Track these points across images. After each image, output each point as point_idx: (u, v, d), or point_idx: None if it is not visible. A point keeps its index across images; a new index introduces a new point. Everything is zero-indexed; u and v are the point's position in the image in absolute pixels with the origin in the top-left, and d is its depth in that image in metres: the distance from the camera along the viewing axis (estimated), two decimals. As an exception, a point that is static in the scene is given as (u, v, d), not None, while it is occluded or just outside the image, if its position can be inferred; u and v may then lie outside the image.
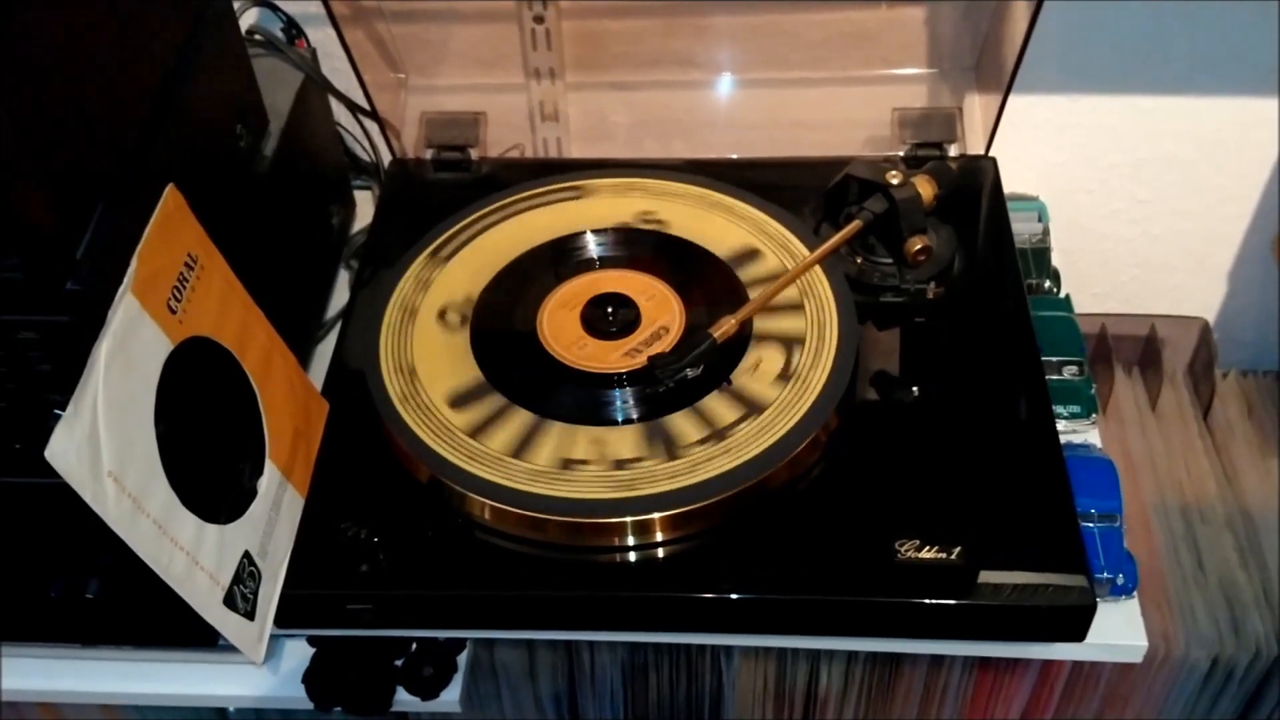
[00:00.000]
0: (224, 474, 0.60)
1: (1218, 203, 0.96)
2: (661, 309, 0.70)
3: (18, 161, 0.49)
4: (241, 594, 0.58)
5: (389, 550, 0.61)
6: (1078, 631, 0.59)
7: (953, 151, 0.80)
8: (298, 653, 0.71)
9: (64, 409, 0.47)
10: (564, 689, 0.84)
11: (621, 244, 0.75)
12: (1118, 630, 0.65)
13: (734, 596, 0.58)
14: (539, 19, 0.81)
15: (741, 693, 0.84)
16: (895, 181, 0.71)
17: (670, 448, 0.63)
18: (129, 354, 0.51)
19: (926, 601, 0.58)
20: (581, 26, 0.82)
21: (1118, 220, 0.98)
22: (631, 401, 0.66)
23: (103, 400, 0.49)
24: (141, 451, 0.52)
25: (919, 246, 0.70)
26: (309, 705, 0.70)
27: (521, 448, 0.63)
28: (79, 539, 0.62)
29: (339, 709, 0.70)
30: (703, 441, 0.63)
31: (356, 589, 0.60)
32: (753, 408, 0.64)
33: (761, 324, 0.69)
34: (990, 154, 0.81)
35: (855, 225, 0.71)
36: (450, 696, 0.72)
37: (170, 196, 0.54)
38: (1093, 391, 0.74)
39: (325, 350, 0.79)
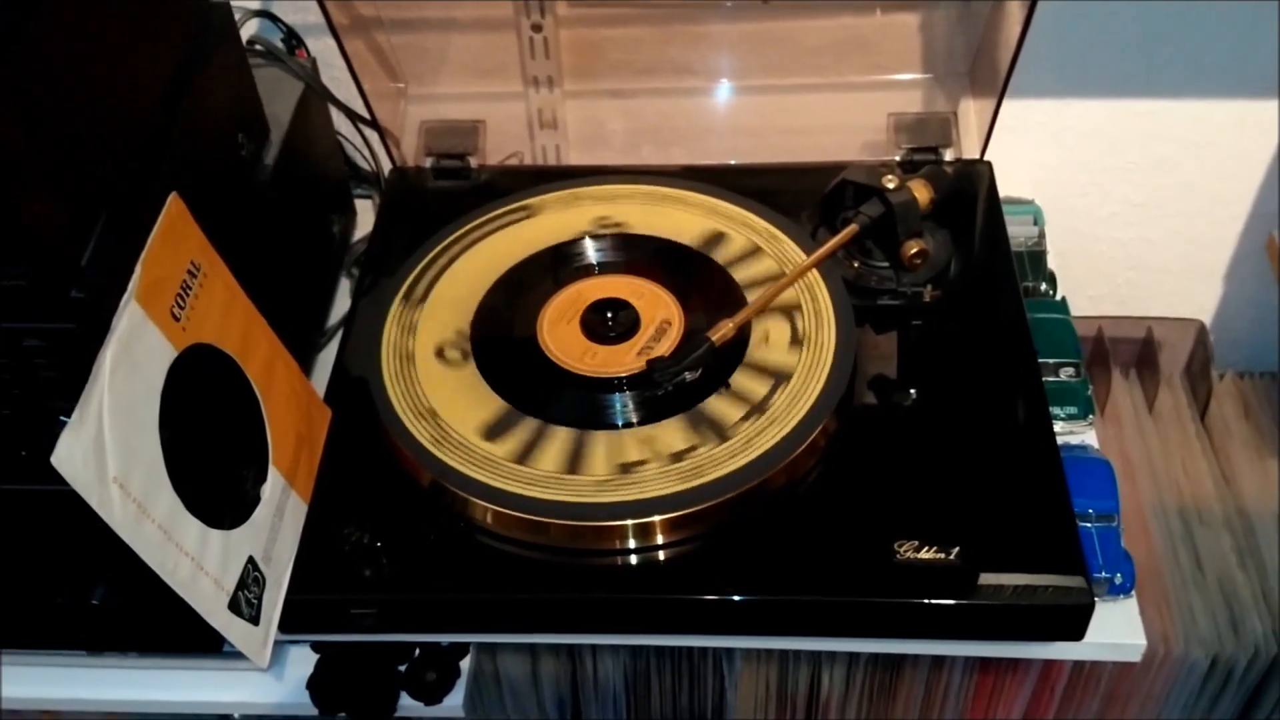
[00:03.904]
0: (228, 480, 0.61)
1: (1212, 205, 0.96)
2: (656, 305, 0.71)
3: (25, 172, 0.50)
4: (246, 599, 0.59)
5: (392, 555, 0.61)
6: (1076, 630, 0.59)
7: (948, 156, 0.81)
8: (302, 660, 0.71)
9: (69, 415, 0.48)
10: (567, 694, 0.84)
11: (593, 252, 0.76)
12: (1116, 629, 0.65)
13: (735, 598, 0.59)
14: (537, 27, 0.81)
15: (743, 696, 0.84)
16: (891, 186, 0.71)
17: (720, 430, 0.63)
18: (133, 361, 0.51)
19: (925, 602, 0.58)
20: (579, 35, 0.82)
21: (1113, 223, 0.98)
22: (668, 395, 0.66)
23: (108, 406, 0.49)
24: (146, 457, 0.52)
25: (915, 250, 0.71)
26: (314, 711, 0.70)
27: (575, 463, 0.63)
28: (85, 545, 0.62)
29: (343, 714, 0.70)
30: (746, 418, 0.64)
31: (360, 593, 0.60)
32: (780, 376, 0.66)
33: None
34: (985, 158, 0.81)
35: (852, 229, 0.72)
36: (454, 701, 0.72)
37: (173, 205, 0.54)
38: (1089, 393, 0.75)
39: (326, 358, 0.80)
